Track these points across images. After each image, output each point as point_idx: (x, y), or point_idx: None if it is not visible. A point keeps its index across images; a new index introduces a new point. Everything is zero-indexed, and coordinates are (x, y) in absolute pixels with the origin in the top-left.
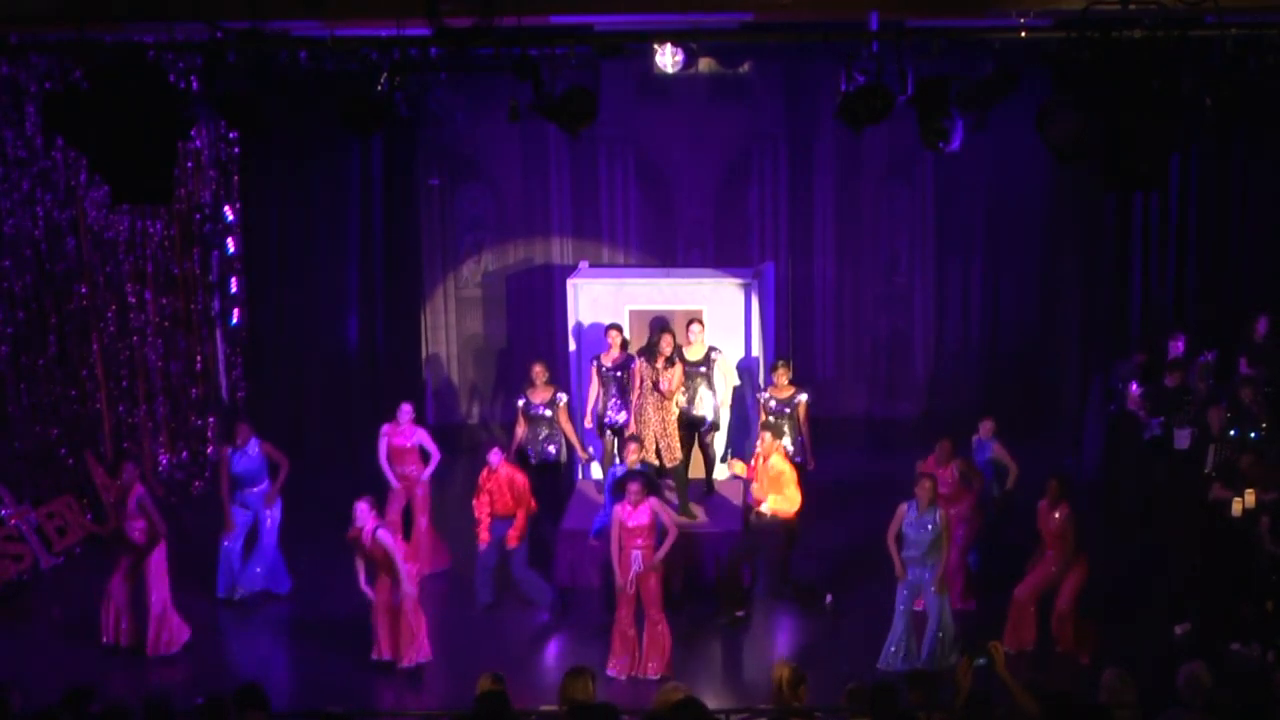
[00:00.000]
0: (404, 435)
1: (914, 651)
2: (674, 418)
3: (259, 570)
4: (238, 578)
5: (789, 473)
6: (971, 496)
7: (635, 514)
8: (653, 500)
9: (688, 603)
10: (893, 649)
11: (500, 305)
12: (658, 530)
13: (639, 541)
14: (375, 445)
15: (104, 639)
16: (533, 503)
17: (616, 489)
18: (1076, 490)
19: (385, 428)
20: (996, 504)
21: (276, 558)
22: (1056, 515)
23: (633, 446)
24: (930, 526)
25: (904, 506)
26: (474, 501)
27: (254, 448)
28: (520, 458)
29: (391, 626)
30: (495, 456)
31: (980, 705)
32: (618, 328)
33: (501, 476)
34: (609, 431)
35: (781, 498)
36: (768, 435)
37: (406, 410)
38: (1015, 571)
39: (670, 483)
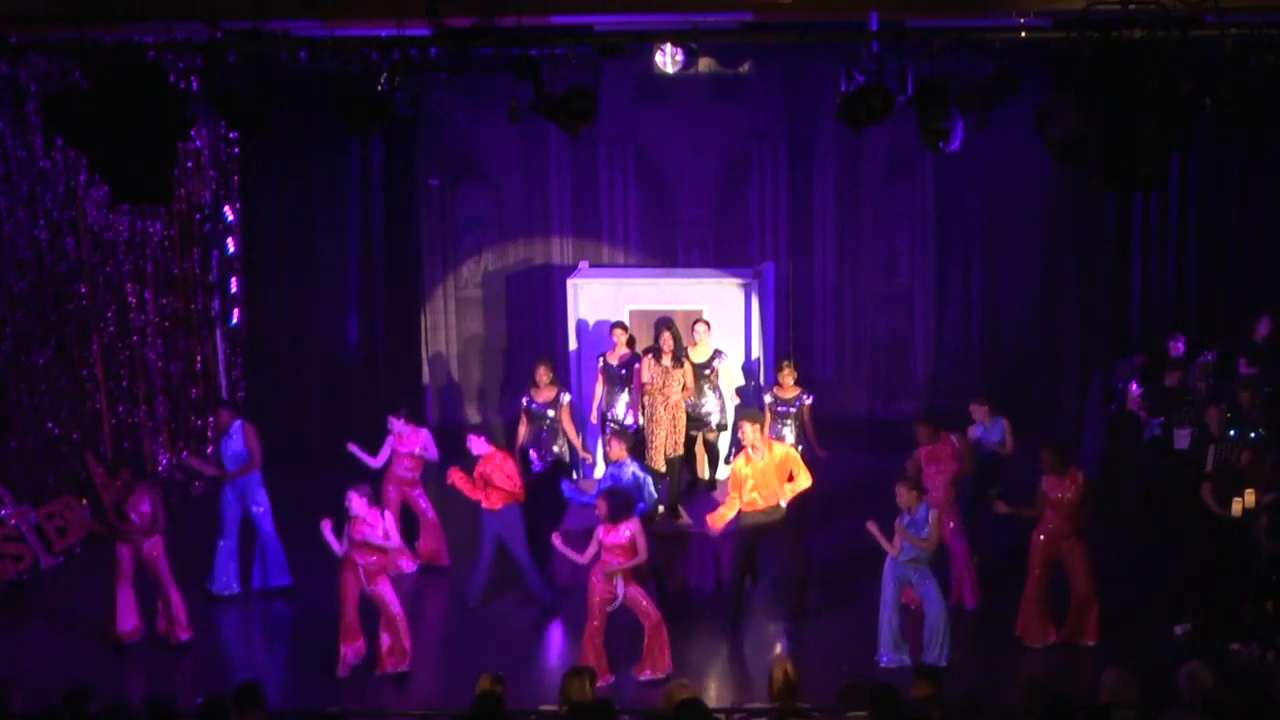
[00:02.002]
0: (407, 441)
1: (911, 646)
2: (684, 415)
3: (267, 566)
4: (236, 574)
5: (794, 453)
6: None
7: (614, 532)
8: (633, 523)
9: (685, 603)
10: (887, 641)
11: (500, 305)
12: (635, 550)
13: (618, 560)
14: (378, 449)
15: (123, 639)
16: (520, 493)
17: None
18: None
19: (390, 441)
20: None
21: (278, 550)
22: (1070, 483)
23: (615, 444)
24: (925, 527)
25: (898, 521)
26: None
27: (237, 431)
28: (523, 458)
29: (367, 629)
30: (478, 446)
31: (977, 705)
32: (623, 326)
33: (494, 462)
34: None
35: (801, 478)
36: (746, 426)
37: (396, 422)
38: (1017, 568)
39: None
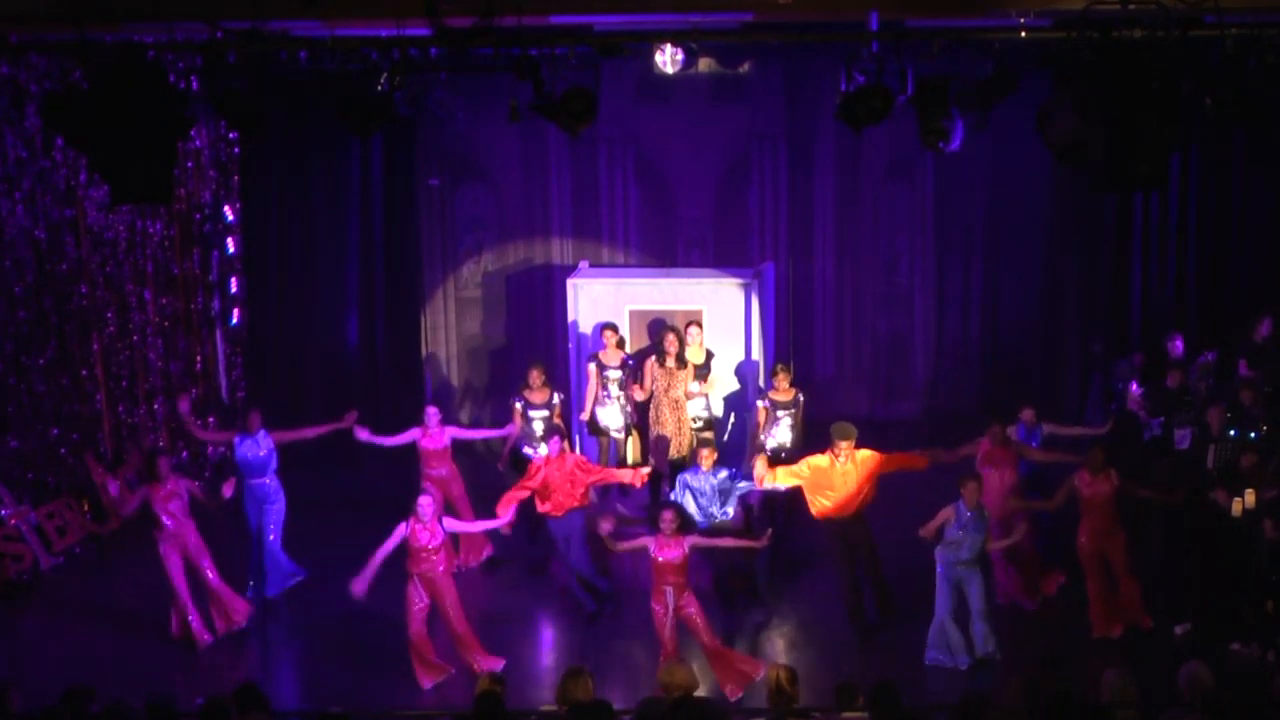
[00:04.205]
0: (434, 438)
1: (968, 646)
2: (688, 417)
3: (276, 571)
4: (289, 564)
5: (870, 455)
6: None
7: (669, 548)
8: (690, 539)
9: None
10: (939, 642)
11: (500, 306)
12: (690, 569)
13: (670, 579)
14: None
15: (203, 637)
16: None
17: (651, 520)
18: None
19: (415, 431)
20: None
21: (280, 555)
22: (1104, 480)
23: (705, 451)
24: (982, 526)
25: (950, 510)
26: (512, 491)
27: (263, 438)
28: (516, 459)
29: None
30: (555, 448)
31: (979, 705)
32: (613, 327)
33: (568, 462)
34: (604, 432)
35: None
36: (842, 444)
37: (433, 413)
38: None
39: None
